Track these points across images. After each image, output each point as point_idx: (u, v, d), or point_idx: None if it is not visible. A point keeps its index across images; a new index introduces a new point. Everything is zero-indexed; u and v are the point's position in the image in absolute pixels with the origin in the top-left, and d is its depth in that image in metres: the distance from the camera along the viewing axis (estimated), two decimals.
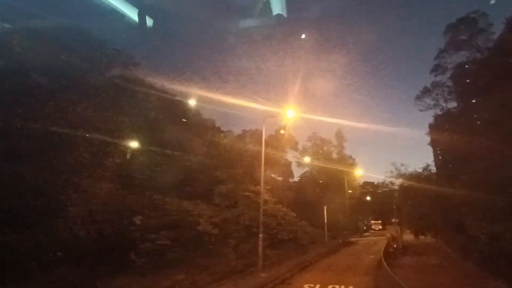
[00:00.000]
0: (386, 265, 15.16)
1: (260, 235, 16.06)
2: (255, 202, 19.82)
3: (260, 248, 15.69)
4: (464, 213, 17.71)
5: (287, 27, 27.65)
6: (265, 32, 27.32)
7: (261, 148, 19.20)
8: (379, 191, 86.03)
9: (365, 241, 39.00)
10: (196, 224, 16.05)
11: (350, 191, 55.69)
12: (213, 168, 26.33)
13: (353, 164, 60.59)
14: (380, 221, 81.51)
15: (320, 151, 58.58)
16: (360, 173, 60.62)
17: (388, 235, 25.43)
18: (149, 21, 19.01)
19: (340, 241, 31.61)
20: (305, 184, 49.31)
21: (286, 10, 20.90)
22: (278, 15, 20.90)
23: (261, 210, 17.16)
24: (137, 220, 13.04)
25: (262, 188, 18.07)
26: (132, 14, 17.75)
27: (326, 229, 30.47)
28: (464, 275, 15.52)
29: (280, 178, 44.60)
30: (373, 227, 72.94)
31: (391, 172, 57.65)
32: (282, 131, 40.10)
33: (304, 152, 51.41)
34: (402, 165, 62.01)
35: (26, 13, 16.16)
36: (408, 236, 34.60)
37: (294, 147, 46.30)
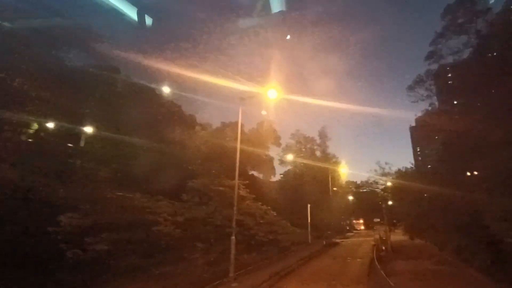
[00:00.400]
0: (384, 274, 12.61)
1: (233, 237, 13.17)
2: (231, 198, 16.97)
3: (232, 253, 12.82)
4: (473, 213, 15.48)
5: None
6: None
7: (242, 142, 16.40)
8: (363, 191, 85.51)
9: (349, 243, 37.00)
10: (153, 224, 12.97)
11: (335, 189, 54.22)
12: (186, 161, 23.35)
13: (336, 163, 59.44)
14: (362, 221, 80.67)
15: (303, 149, 57.29)
16: (343, 172, 59.76)
17: (376, 236, 23.15)
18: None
19: (324, 243, 29.23)
20: (288, 182, 46.95)
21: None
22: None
23: (235, 206, 14.28)
24: (65, 218, 9.74)
25: (236, 180, 15.16)
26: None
27: (309, 229, 28.02)
28: (471, 283, 13.26)
29: (261, 175, 41.95)
30: (355, 226, 71.89)
31: (375, 171, 56.43)
32: (263, 112, 37.46)
33: (287, 149, 49.47)
34: (386, 163, 60.95)
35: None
36: (396, 237, 32.85)
37: (277, 143, 43.67)
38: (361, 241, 38.21)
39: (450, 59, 26.03)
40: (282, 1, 20.80)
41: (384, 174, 60.74)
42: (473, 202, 15.04)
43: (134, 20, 17.65)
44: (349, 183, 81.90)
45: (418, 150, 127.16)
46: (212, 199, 19.33)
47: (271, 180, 44.61)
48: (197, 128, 27.76)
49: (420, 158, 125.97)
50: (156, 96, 25.39)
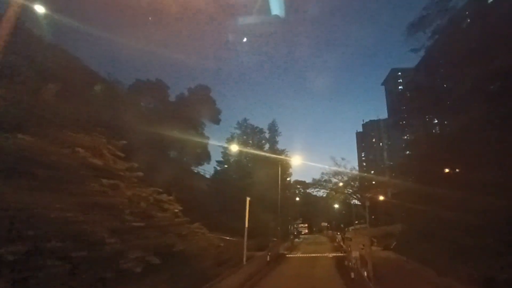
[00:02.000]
0: None
1: None
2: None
3: None
4: None
5: None
6: None
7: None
8: (311, 191, 79.75)
9: (302, 258, 27.05)
10: None
11: (284, 186, 46.68)
12: None
13: (286, 161, 51.96)
14: (306, 225, 74.65)
15: (250, 141, 48.66)
16: (292, 171, 52.84)
17: (355, 254, 14.00)
18: None
19: (268, 258, 19.60)
20: (227, 175, 37.02)
21: None
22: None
23: None
24: None
25: None
26: None
27: (246, 238, 17.80)
28: None
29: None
30: (300, 230, 64.96)
31: (329, 168, 49.27)
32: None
33: (231, 140, 43.51)
34: (343, 159, 54.45)
35: None
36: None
37: (214, 119, 33.22)
38: (316, 251, 29.70)
39: None
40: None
41: (338, 173, 55.04)
42: None
43: None
44: (297, 182, 75.41)
45: (363, 155, 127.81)
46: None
47: (202, 170, 34.20)
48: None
49: (364, 164, 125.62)
50: None
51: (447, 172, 24.84)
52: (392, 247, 28.37)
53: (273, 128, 53.62)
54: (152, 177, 14.72)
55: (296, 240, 43.27)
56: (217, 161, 34.98)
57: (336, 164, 50.36)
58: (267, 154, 42.09)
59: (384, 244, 30.17)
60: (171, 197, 13.00)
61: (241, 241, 21.38)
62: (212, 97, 31.88)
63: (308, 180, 65.03)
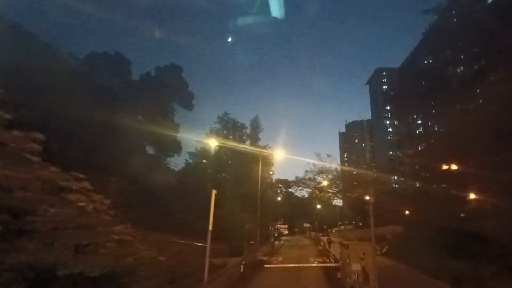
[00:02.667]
0: None
1: None
2: None
3: None
4: None
5: None
6: None
7: None
8: (293, 190, 76.60)
9: (284, 270, 22.62)
10: None
11: (266, 185, 43.44)
12: None
13: (268, 157, 48.78)
14: (286, 226, 71.39)
15: (231, 137, 45.51)
16: (275, 169, 49.81)
17: (355, 267, 10.30)
18: None
19: (242, 269, 15.59)
20: (201, 170, 32.77)
21: None
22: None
23: None
24: None
25: None
26: None
27: (209, 244, 13.58)
28: None
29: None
30: (282, 231, 61.41)
31: (314, 165, 45.98)
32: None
33: (211, 133, 40.22)
34: (328, 156, 51.23)
35: None
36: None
37: (186, 104, 28.90)
38: (299, 256, 25.99)
39: None
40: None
41: (323, 171, 51.88)
42: None
43: None
44: (280, 181, 72.02)
45: (346, 156, 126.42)
46: None
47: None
48: None
49: (346, 165, 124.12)
50: None
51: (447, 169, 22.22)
52: (384, 251, 25.21)
53: (255, 124, 50.87)
54: (88, 162, 10.50)
55: (277, 242, 39.53)
56: (189, 153, 30.62)
57: (321, 161, 47.19)
58: (247, 147, 38.51)
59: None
60: (91, 187, 8.75)
61: (212, 246, 17.43)
62: (184, 78, 27.56)
63: (291, 178, 61.66)
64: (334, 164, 68.34)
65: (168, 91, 26.38)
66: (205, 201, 25.70)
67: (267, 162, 48.42)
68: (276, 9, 19.52)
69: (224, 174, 41.50)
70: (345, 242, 12.92)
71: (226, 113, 47.37)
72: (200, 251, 16.40)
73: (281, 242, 41.39)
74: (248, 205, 32.18)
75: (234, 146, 41.49)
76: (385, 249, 25.41)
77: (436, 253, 15.80)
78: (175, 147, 27.90)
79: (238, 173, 42.78)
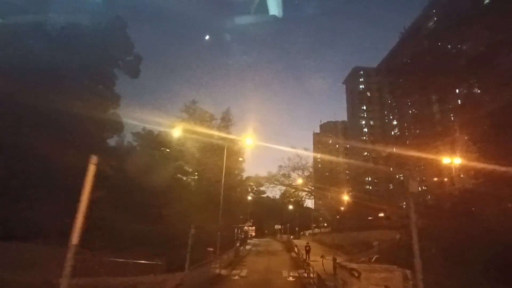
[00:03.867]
0: None
1: None
2: None
3: None
4: None
5: None
6: None
7: None
8: (264, 189, 71.52)
9: None
10: None
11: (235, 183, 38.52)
12: None
13: (238, 153, 43.90)
14: (254, 227, 66.01)
15: (199, 129, 39.38)
16: (246, 167, 44.59)
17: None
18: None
19: None
20: (150, 158, 26.28)
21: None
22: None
23: None
24: None
25: None
26: None
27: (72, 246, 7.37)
28: None
29: None
30: (250, 234, 55.79)
31: (289, 159, 40.98)
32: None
33: (174, 123, 34.28)
34: (306, 149, 46.44)
35: None
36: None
37: (130, 68, 22.33)
38: (269, 266, 20.48)
39: None
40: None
41: (298, 167, 47.06)
42: None
43: None
44: (251, 179, 66.70)
45: (319, 157, 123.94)
46: None
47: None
48: None
49: (320, 166, 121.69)
50: None
51: None
52: (372, 262, 20.47)
53: (226, 117, 45.65)
54: None
55: (243, 248, 33.86)
56: (133, 134, 23.91)
57: (298, 156, 42.36)
58: (213, 132, 32.88)
59: (360, 257, 22.22)
60: None
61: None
62: (128, 34, 21.07)
63: (264, 174, 56.32)
64: (311, 161, 64.04)
65: (106, 50, 19.87)
66: (149, 197, 19.51)
67: (236, 157, 43.17)
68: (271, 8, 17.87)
69: (186, 168, 35.45)
70: (353, 266, 7.46)
71: (193, 101, 42.04)
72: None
73: (249, 246, 35.73)
74: (212, 203, 26.33)
75: (196, 133, 35.87)
76: (374, 258, 20.67)
77: (466, 274, 11.01)
78: (114, 125, 21.26)
79: (203, 168, 37.04)
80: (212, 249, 22.51)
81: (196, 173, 38.63)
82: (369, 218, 38.92)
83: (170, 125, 38.42)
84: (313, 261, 20.67)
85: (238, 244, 31.15)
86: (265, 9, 18.06)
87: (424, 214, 18.39)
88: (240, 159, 38.24)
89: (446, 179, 45.69)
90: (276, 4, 18.40)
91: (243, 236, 42.02)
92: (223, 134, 34.50)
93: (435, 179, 46.70)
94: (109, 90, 21.19)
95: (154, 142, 24.20)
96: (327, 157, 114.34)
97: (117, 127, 21.66)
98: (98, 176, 4.70)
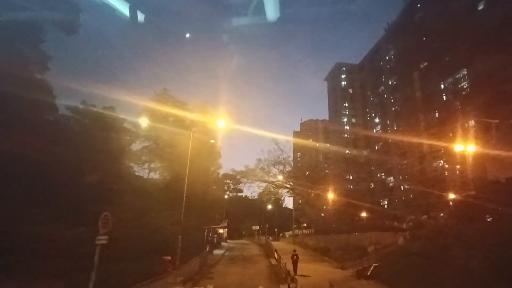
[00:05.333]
0: None
1: None
2: None
3: None
4: None
5: None
6: None
7: None
8: (240, 187, 67.33)
9: None
10: None
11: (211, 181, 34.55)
12: None
13: (214, 148, 39.97)
14: (226, 229, 61.16)
15: (170, 119, 36.23)
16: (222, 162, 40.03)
17: None
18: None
19: None
20: (95, 137, 20.96)
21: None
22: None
23: None
24: None
25: None
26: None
27: None
28: None
29: None
30: (223, 236, 50.76)
31: (269, 153, 36.99)
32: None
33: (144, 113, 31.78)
34: (288, 141, 43.29)
35: None
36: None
37: (64, 22, 17.00)
38: (244, 281, 15.98)
39: None
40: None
41: (279, 162, 42.75)
42: None
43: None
44: (227, 176, 62.11)
45: (299, 155, 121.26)
46: None
47: None
48: None
49: (299, 165, 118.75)
50: None
51: None
52: (369, 273, 16.51)
53: (203, 110, 41.01)
54: None
55: (215, 252, 29.13)
56: (68, 108, 18.40)
57: (279, 149, 38.21)
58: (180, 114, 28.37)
59: (356, 267, 18.18)
60: None
61: None
62: None
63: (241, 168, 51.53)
64: (292, 157, 60.13)
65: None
66: (83, 191, 14.53)
67: (211, 151, 38.77)
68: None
69: (144, 158, 30.45)
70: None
71: (165, 89, 37.91)
72: None
73: (221, 252, 30.97)
74: (179, 202, 21.50)
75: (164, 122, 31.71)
76: (371, 268, 16.70)
77: None
78: (42, 90, 15.87)
79: (169, 160, 32.34)
80: (169, 258, 17.72)
81: (160, 166, 33.67)
82: (361, 216, 35.49)
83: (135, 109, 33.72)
84: (302, 275, 16.36)
85: (208, 249, 26.35)
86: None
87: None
88: (212, 141, 33.79)
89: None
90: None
91: (215, 239, 37.18)
92: (193, 116, 29.91)
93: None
94: (34, 49, 15.83)
95: (100, 120, 18.94)
96: (307, 155, 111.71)
97: (44, 92, 16.26)
98: None
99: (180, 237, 17.96)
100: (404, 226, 22.79)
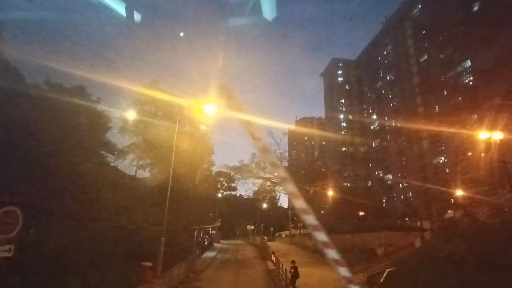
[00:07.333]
0: None
1: None
2: None
3: None
4: None
5: None
6: None
7: None
8: (234, 185, 64.68)
9: None
10: None
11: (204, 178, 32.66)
12: None
13: (206, 144, 37.70)
14: (215, 230, 58.26)
15: (160, 113, 33.68)
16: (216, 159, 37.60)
17: None
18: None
19: None
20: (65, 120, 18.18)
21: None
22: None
23: None
24: None
25: None
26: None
27: None
28: None
29: None
30: (215, 236, 47.98)
31: (270, 143, 34.71)
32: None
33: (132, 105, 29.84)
34: (285, 134, 41.42)
35: None
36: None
37: None
38: None
39: None
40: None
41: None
42: None
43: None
44: (220, 174, 59.51)
45: (294, 154, 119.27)
46: None
47: None
48: None
49: (295, 163, 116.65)
50: None
51: None
52: (382, 279, 14.18)
53: (195, 106, 38.34)
54: None
55: (207, 255, 26.60)
56: (32, 86, 15.52)
57: (276, 143, 35.82)
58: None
59: (365, 272, 15.80)
60: None
61: None
62: None
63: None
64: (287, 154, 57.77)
65: None
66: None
67: (203, 148, 36.44)
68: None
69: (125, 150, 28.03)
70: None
71: (154, 81, 35.32)
72: None
73: (213, 254, 28.39)
74: (168, 199, 18.93)
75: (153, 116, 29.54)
76: (384, 275, 14.35)
77: None
78: None
79: (156, 155, 30.03)
80: (150, 264, 15.13)
81: (148, 163, 31.03)
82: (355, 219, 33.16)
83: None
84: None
85: (197, 252, 23.77)
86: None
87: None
88: (203, 127, 31.37)
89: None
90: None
91: (207, 240, 34.57)
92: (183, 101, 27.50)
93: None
94: None
95: (67, 104, 16.08)
96: (303, 152, 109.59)
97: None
98: None
99: (163, 239, 15.43)
100: (424, 226, 20.43)
